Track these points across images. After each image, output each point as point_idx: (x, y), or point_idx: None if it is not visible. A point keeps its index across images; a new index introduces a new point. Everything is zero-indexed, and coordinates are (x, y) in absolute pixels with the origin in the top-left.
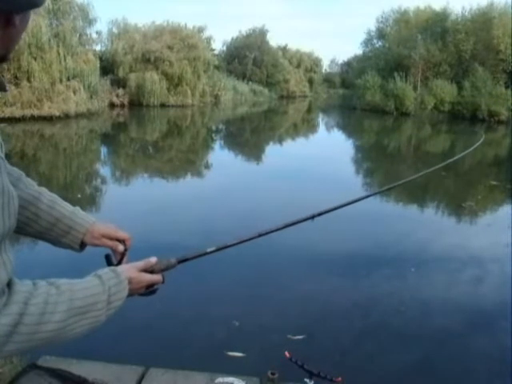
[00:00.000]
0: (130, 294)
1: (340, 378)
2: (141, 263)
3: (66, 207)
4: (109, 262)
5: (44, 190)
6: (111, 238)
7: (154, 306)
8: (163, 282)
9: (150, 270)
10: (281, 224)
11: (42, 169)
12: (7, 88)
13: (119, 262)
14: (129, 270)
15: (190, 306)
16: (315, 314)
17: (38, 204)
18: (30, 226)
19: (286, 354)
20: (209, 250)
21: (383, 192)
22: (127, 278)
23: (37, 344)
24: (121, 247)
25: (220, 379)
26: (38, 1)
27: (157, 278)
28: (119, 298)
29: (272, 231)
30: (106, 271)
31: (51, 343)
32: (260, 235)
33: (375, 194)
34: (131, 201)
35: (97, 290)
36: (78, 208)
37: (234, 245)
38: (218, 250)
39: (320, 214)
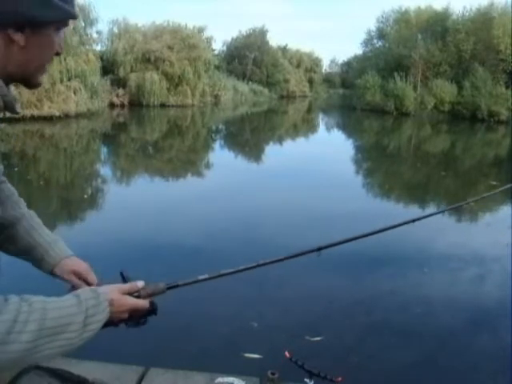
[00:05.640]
0: (111, 317)
1: (340, 378)
2: (126, 286)
3: (44, 236)
4: (124, 280)
5: (29, 214)
6: (80, 277)
7: None
8: (155, 313)
9: (135, 295)
10: (281, 255)
11: (41, 169)
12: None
13: None
14: (111, 291)
15: (190, 305)
16: (316, 312)
17: (17, 227)
18: (7, 246)
19: (286, 353)
20: (200, 277)
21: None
22: (107, 300)
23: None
24: None
25: (220, 379)
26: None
27: (142, 303)
28: (97, 321)
29: (271, 262)
30: (85, 290)
31: (16, 365)
32: (258, 265)
33: (397, 225)
34: (130, 200)
35: (72, 311)
36: (58, 239)
37: (228, 274)
38: (210, 278)
39: (327, 247)
